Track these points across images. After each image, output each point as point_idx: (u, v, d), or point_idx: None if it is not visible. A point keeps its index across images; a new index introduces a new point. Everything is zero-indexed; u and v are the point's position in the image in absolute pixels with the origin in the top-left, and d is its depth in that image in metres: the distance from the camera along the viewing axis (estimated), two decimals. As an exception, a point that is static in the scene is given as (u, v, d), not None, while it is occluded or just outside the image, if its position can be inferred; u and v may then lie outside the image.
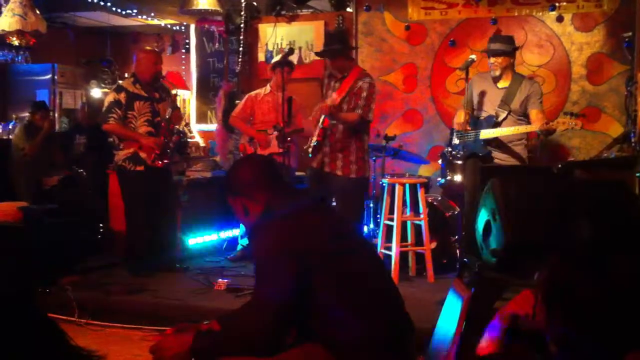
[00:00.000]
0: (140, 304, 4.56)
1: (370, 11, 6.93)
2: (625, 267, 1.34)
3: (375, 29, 6.95)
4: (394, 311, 2.22)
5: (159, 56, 5.52)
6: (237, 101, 6.64)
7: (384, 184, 5.42)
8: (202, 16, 7.56)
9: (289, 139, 5.48)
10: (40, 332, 1.28)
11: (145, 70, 5.31)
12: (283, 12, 7.38)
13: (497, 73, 4.96)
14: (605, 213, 2.40)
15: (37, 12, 6.89)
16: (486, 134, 4.87)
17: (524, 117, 4.90)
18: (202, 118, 8.17)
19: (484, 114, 5.00)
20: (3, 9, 6.81)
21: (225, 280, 4.88)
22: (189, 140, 7.38)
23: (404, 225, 5.26)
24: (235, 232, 6.37)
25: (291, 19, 7.38)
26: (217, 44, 7.89)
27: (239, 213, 2.35)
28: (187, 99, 8.34)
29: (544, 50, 6.42)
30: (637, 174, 4.32)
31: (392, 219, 5.17)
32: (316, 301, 2.08)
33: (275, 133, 5.66)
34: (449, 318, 2.21)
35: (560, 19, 6.34)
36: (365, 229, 5.90)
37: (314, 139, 5.01)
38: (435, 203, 5.56)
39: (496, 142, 4.92)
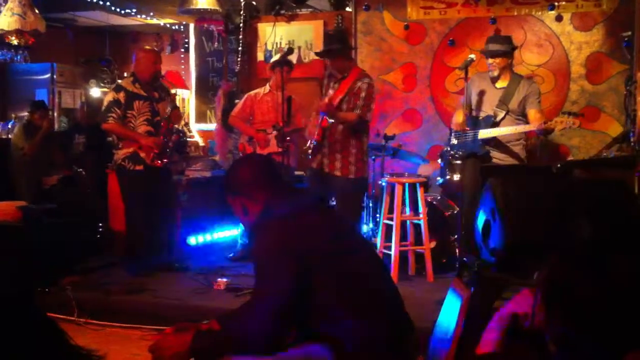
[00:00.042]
0: (139, 304, 4.57)
1: (369, 11, 6.94)
2: (625, 266, 1.34)
3: (375, 28, 6.95)
4: (394, 311, 2.22)
5: (158, 55, 5.51)
6: (236, 101, 6.63)
7: (383, 184, 5.42)
8: (202, 15, 7.56)
9: (288, 138, 5.48)
10: (40, 331, 1.28)
11: (145, 70, 5.31)
12: (282, 12, 7.38)
13: (496, 73, 4.96)
14: (604, 212, 2.40)
15: (36, 11, 6.90)
16: (484, 133, 4.87)
17: (522, 117, 4.90)
18: (201, 117, 8.17)
19: (482, 114, 5.00)
20: (2, 8, 6.82)
21: (225, 280, 4.88)
22: (188, 139, 7.38)
23: (403, 225, 5.27)
24: (235, 231, 6.37)
25: (290, 18, 7.38)
26: (216, 43, 7.89)
27: (238, 212, 2.35)
28: (187, 98, 8.34)
29: (543, 50, 6.42)
30: (637, 173, 4.33)
31: (391, 219, 5.17)
32: (316, 301, 2.08)
33: (275, 132, 5.67)
34: (448, 317, 2.21)
35: (559, 18, 6.34)
36: (365, 228, 5.90)
37: (313, 139, 5.02)
38: (434, 202, 5.56)
39: (494, 142, 4.93)
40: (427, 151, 6.65)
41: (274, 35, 7.36)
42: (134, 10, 8.05)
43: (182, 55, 8.72)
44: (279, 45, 7.32)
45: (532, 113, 4.84)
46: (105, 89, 8.21)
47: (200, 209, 6.21)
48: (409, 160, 6.36)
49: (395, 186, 5.16)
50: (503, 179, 3.55)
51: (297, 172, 6.03)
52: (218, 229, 6.40)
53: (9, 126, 7.58)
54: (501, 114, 4.90)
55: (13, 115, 7.94)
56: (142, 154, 5.21)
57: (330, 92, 5.05)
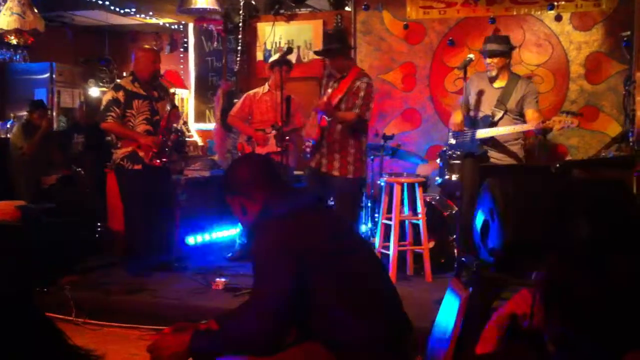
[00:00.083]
0: (138, 304, 4.56)
1: (368, 10, 6.94)
2: (624, 266, 1.34)
3: (374, 28, 6.95)
4: (392, 311, 2.22)
5: (157, 55, 5.51)
6: (235, 100, 6.63)
7: (382, 184, 5.42)
8: (201, 15, 7.55)
9: (287, 137, 5.48)
10: (38, 331, 1.28)
11: (144, 69, 5.31)
12: (282, 11, 7.38)
13: (494, 73, 4.96)
14: (603, 212, 2.40)
15: (36, 10, 6.89)
16: (482, 133, 4.87)
17: (520, 117, 4.90)
18: (200, 117, 8.16)
19: (480, 114, 5.00)
20: (1, 7, 6.81)
21: (224, 280, 4.87)
22: (187, 139, 7.37)
23: (402, 225, 5.27)
24: (234, 231, 6.37)
25: (290, 18, 7.38)
26: (215, 42, 7.89)
27: (237, 212, 2.34)
28: (186, 97, 8.33)
29: (542, 50, 6.43)
30: (636, 173, 4.33)
31: (390, 219, 5.17)
32: (315, 301, 2.08)
33: (274, 132, 5.66)
34: (446, 317, 2.21)
35: (558, 18, 6.34)
36: (363, 228, 5.90)
37: (312, 138, 5.01)
38: (433, 202, 5.56)
39: (492, 142, 4.92)
40: (426, 151, 6.65)
41: (273, 34, 7.35)
42: (133, 9, 8.04)
43: (181, 55, 8.71)
44: (278, 45, 7.32)
45: (530, 113, 4.83)
46: (105, 89, 8.20)
47: (199, 208, 6.20)
48: (407, 160, 6.36)
49: (394, 186, 5.16)
50: (501, 179, 3.55)
51: (296, 172, 6.02)
52: (217, 228, 6.40)
53: (8, 126, 7.58)
54: (499, 114, 4.90)
55: (12, 115, 7.93)
56: (141, 153, 5.20)
57: (329, 91, 5.05)
